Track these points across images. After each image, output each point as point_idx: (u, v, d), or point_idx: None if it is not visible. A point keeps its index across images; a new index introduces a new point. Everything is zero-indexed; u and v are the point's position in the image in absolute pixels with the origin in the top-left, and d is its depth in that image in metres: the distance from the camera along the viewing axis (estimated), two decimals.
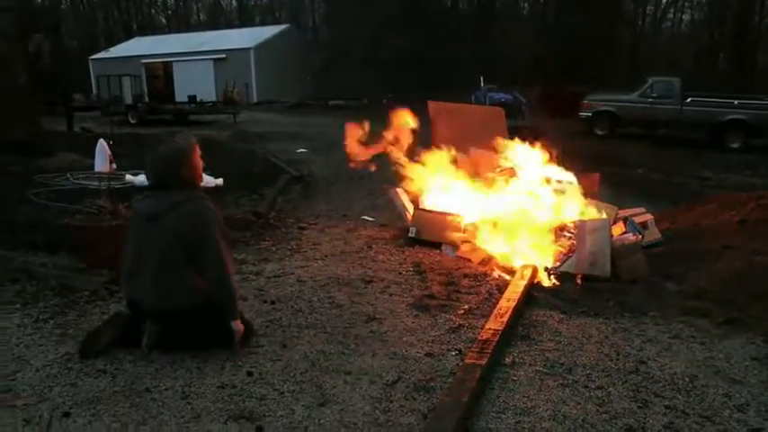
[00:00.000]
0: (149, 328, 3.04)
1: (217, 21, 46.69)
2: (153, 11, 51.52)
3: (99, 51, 36.45)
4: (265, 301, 4.01)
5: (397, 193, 6.22)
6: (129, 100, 24.35)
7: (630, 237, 4.68)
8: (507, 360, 3.19)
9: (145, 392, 2.76)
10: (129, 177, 7.74)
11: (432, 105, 7.37)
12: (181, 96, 27.93)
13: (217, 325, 3.11)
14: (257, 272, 4.67)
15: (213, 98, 28.03)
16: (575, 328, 3.68)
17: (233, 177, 8.68)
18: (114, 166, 7.29)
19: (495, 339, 3.19)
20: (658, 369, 3.14)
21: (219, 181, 7.98)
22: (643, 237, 4.97)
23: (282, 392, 2.80)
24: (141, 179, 7.55)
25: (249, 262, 4.93)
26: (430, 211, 5.55)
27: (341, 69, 30.84)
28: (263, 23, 40.49)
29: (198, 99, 24.68)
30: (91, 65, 34.66)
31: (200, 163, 3.15)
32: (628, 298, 4.16)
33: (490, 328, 3.33)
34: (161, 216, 2.98)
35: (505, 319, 3.45)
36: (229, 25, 43.01)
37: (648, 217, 5.28)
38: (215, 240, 3.01)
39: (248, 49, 32.47)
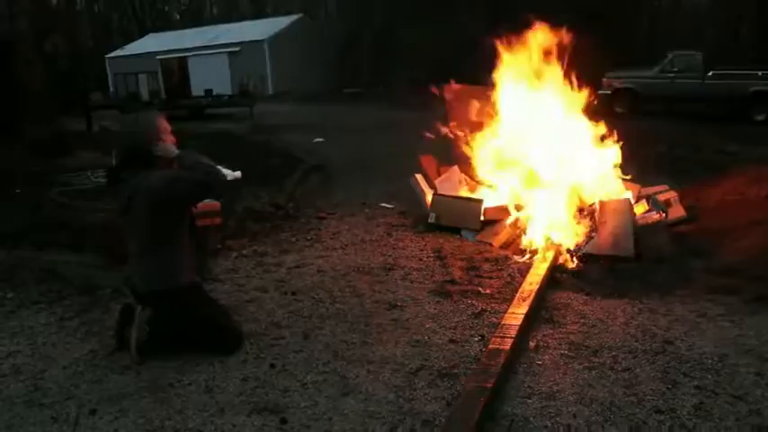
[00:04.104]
0: (138, 317, 3.00)
1: (230, 14, 46.70)
2: (167, 8, 51.79)
3: (115, 50, 36.71)
4: (286, 293, 4.01)
5: (416, 179, 6.17)
6: (146, 97, 24.51)
7: (654, 215, 4.59)
8: (531, 344, 3.15)
9: (169, 387, 2.78)
10: None
11: (447, 87, 7.28)
12: (197, 91, 28.02)
13: (205, 308, 3.13)
14: (278, 263, 4.67)
15: (229, 91, 28.09)
16: (599, 309, 3.62)
17: (251, 170, 8.58)
18: None
19: (519, 323, 3.15)
20: (686, 349, 3.08)
21: (238, 173, 7.95)
22: (667, 215, 4.87)
23: (305, 383, 2.79)
24: None
25: (269, 254, 4.94)
26: (449, 197, 5.50)
27: (354, 57, 30.69)
28: (276, 15, 40.42)
29: (214, 93, 24.73)
30: (108, 63, 34.94)
31: (167, 140, 3.11)
32: (653, 277, 4.08)
33: (513, 313, 3.29)
34: (132, 198, 2.97)
35: (528, 302, 3.41)
36: (242, 18, 42.98)
37: (672, 194, 5.17)
38: (181, 179, 2.98)
39: (262, 41, 32.43)
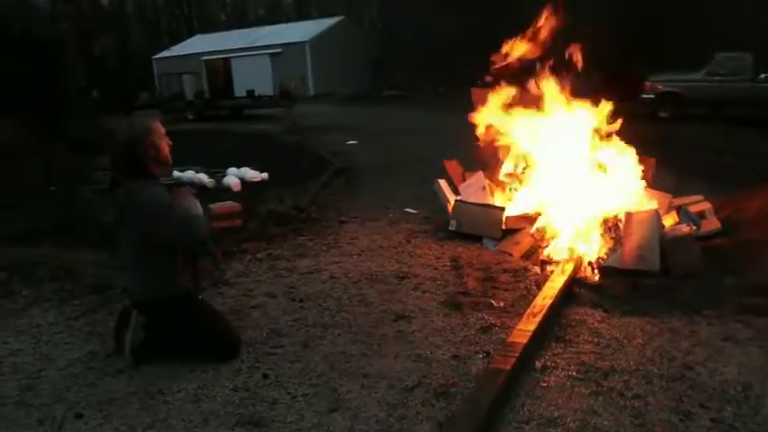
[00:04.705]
0: (134, 321, 2.97)
1: (275, 16, 47.28)
2: (213, 9, 52.80)
3: (163, 51, 37.61)
4: (294, 299, 3.93)
5: (440, 184, 6.04)
6: (190, 97, 24.99)
7: (684, 227, 4.33)
8: (538, 364, 2.98)
9: (158, 394, 2.73)
10: (176, 173, 7.86)
11: (475, 91, 7.12)
12: (240, 91, 28.43)
13: (201, 317, 3.06)
14: (291, 268, 4.60)
15: (270, 92, 28.38)
16: (616, 328, 3.42)
17: (280, 171, 8.71)
18: None
19: (525, 342, 2.99)
20: (707, 375, 2.86)
21: (264, 175, 8.02)
22: (699, 227, 4.60)
23: (295, 396, 2.70)
24: (189, 175, 7.68)
25: (284, 258, 4.88)
26: (470, 203, 5.34)
27: (396, 59, 30.63)
28: (320, 17, 40.76)
29: (256, 93, 25.02)
30: (154, 64, 35.80)
31: (162, 145, 3.04)
32: (678, 295, 3.84)
33: (521, 330, 3.13)
34: (123, 210, 2.92)
35: (538, 319, 3.24)
36: (287, 20, 43.46)
37: (706, 205, 4.89)
38: (169, 208, 2.89)
39: (304, 42, 32.73)
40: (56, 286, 4.13)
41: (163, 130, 3.08)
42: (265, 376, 2.89)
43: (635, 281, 4.03)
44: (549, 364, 2.99)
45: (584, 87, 5.39)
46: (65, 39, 9.67)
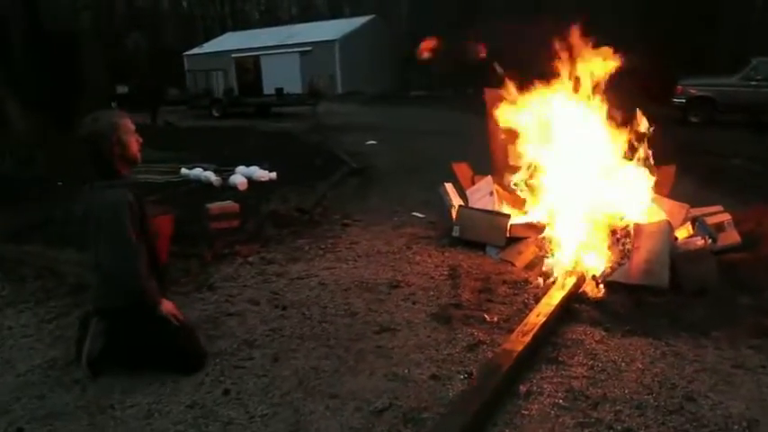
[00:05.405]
0: (93, 329, 2.81)
1: (308, 14, 47.38)
2: (247, 7, 53.24)
3: (194, 47, 37.96)
4: (276, 306, 3.76)
5: (446, 188, 5.80)
6: (219, 93, 25.10)
7: (698, 241, 4.02)
8: (522, 389, 2.74)
9: (109, 409, 2.57)
10: (184, 171, 7.78)
11: (488, 92, 6.85)
12: (269, 89, 28.37)
13: (158, 326, 2.86)
14: (281, 273, 4.43)
15: (299, 90, 28.36)
16: (615, 349, 3.15)
17: (292, 170, 8.55)
18: None
19: (509, 364, 2.75)
20: (709, 408, 2.59)
21: (273, 174, 7.88)
22: (715, 240, 4.28)
23: (253, 416, 2.52)
24: (197, 172, 7.58)
25: (277, 261, 4.71)
26: (474, 209, 5.10)
27: (424, 59, 30.29)
28: (353, 15, 40.67)
29: (284, 91, 24.99)
30: (185, 60, 36.15)
31: (131, 142, 2.87)
32: (686, 314, 3.53)
33: (506, 349, 2.89)
34: (87, 212, 2.78)
35: (528, 339, 2.99)
36: (320, 18, 43.50)
37: (725, 217, 4.54)
38: (122, 233, 2.71)
39: (333, 41, 32.68)
40: (37, 285, 4.04)
41: (132, 126, 2.92)
42: (226, 392, 2.71)
43: (641, 297, 3.73)
44: (535, 389, 2.75)
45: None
46: (82, 32, 9.65)
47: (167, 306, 2.89)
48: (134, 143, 2.90)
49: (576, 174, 4.59)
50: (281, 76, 30.60)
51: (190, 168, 7.77)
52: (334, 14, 44.48)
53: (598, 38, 4.96)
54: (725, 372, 2.92)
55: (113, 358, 2.85)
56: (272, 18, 49.54)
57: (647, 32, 15.93)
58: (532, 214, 4.93)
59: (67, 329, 3.38)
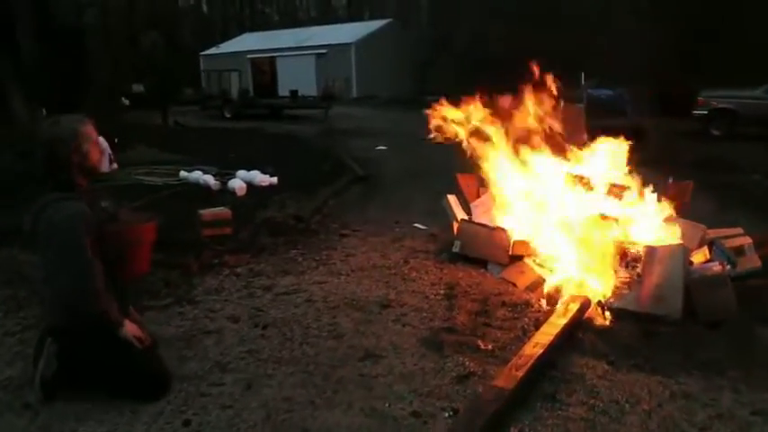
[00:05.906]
0: (47, 349, 2.58)
1: (327, 17, 47.35)
2: (267, 10, 53.38)
3: (211, 48, 38.03)
4: (257, 325, 3.52)
5: (449, 200, 5.54)
6: (234, 94, 25.03)
7: (715, 266, 3.72)
8: (513, 431, 2.47)
9: None
10: (183, 173, 7.59)
11: (503, 102, 6.59)
12: (283, 91, 28.33)
13: (118, 350, 2.62)
14: (268, 286, 4.20)
15: (314, 93, 28.23)
16: (619, 386, 2.87)
17: (294, 175, 8.34)
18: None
19: (498, 404, 2.48)
20: None
21: (274, 179, 7.66)
22: (734, 266, 3.97)
23: None
24: (196, 175, 7.38)
25: (265, 274, 4.47)
26: (475, 224, 4.83)
27: (442, 65, 30.08)
28: (372, 18, 40.51)
29: (299, 94, 24.86)
30: (201, 60, 36.21)
31: (91, 151, 2.64)
32: (700, 348, 3.23)
33: (495, 386, 2.62)
34: (36, 225, 2.56)
35: (521, 373, 2.72)
36: (339, 21, 43.43)
37: (746, 240, 4.23)
38: (76, 249, 2.48)
39: (349, 44, 32.53)
40: (8, 294, 3.83)
41: (94, 134, 2.70)
42: (187, 423, 2.47)
43: (650, 327, 3.43)
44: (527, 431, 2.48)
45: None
46: (86, 29, 9.53)
47: (130, 328, 2.66)
48: (95, 153, 2.68)
49: (584, 192, 4.32)
50: (297, 78, 30.54)
51: (189, 171, 7.58)
52: (353, 18, 44.40)
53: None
54: (743, 419, 2.62)
55: (68, 381, 2.62)
56: (291, 20, 49.58)
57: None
58: (533, 231, 4.65)
59: (30, 344, 3.13)
